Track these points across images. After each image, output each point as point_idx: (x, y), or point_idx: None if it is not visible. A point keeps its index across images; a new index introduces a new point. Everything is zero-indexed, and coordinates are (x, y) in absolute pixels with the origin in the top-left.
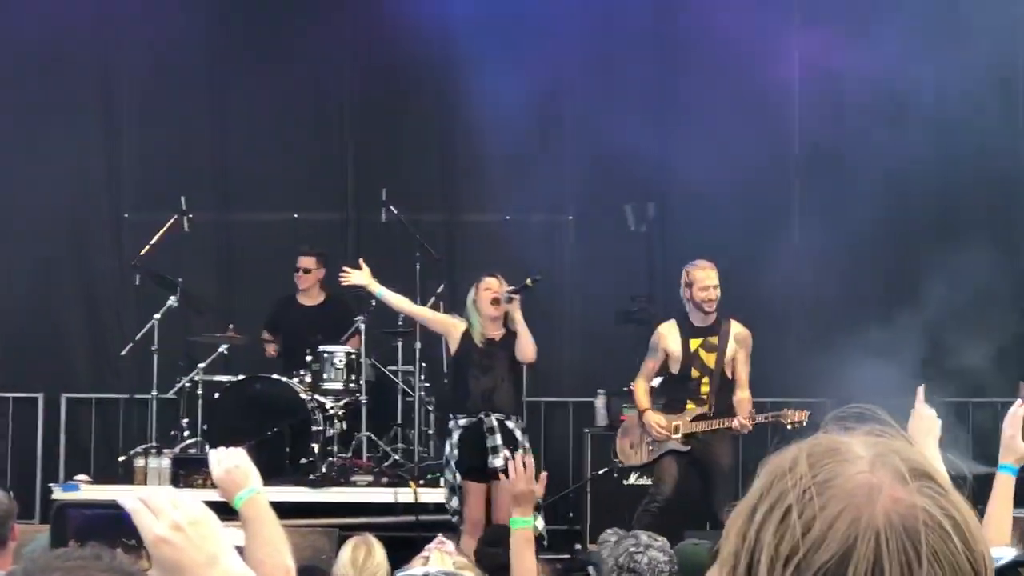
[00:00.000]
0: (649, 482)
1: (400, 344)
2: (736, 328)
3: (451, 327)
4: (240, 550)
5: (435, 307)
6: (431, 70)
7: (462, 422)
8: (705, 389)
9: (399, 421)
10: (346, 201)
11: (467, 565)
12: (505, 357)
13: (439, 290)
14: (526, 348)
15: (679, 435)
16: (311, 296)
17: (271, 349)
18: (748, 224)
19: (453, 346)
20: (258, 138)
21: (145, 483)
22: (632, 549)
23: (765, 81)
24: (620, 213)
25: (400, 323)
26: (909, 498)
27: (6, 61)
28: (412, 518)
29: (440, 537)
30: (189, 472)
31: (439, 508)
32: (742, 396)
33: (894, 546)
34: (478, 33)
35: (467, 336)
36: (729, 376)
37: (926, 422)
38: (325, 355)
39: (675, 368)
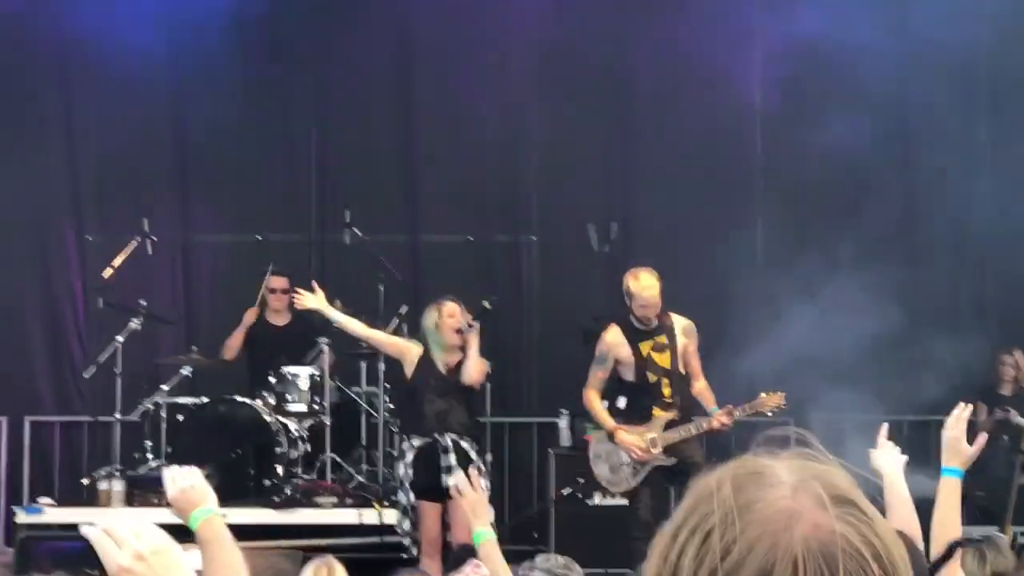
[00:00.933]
0: (615, 502)
1: (364, 365)
2: (680, 322)
3: (406, 351)
4: (198, 573)
5: (398, 329)
6: (394, 92)
7: (416, 443)
8: (667, 391)
9: (363, 442)
10: (310, 222)
11: None
12: (461, 381)
13: (402, 311)
14: (471, 371)
15: (658, 449)
16: (280, 316)
17: (229, 352)
18: (711, 243)
19: (409, 369)
20: (222, 159)
21: (109, 505)
22: (520, 571)
23: (726, 98)
24: (583, 233)
25: (364, 345)
26: (829, 524)
27: None
28: (377, 539)
29: (475, 561)
30: (144, 492)
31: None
32: (700, 386)
33: (812, 572)
34: (441, 55)
35: (425, 360)
36: (683, 372)
37: (891, 458)
38: (289, 376)
39: (630, 375)
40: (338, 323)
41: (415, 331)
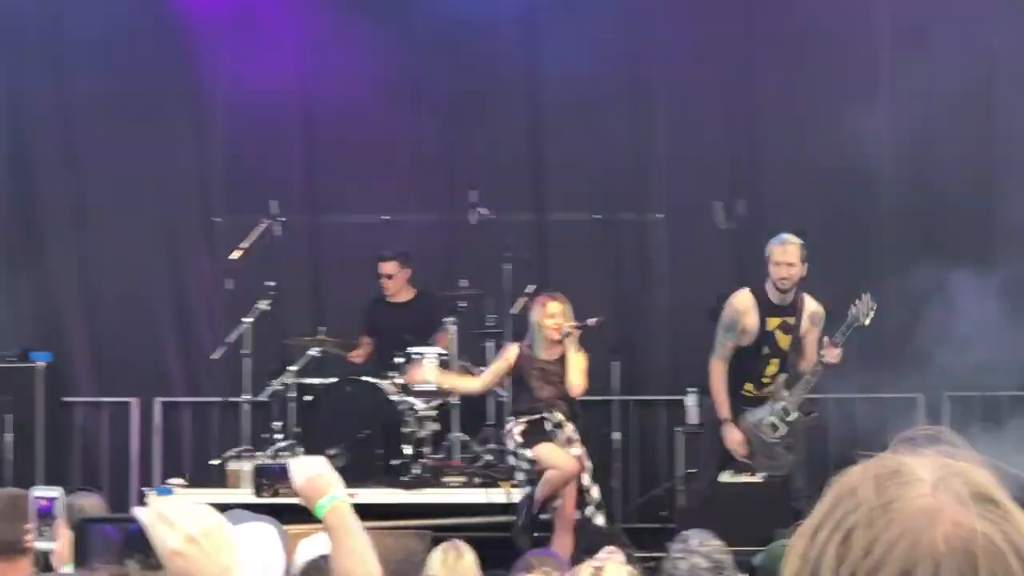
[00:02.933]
0: (740, 480)
1: (492, 344)
2: (811, 306)
3: (507, 364)
4: (324, 558)
5: (525, 307)
6: (520, 68)
7: (524, 419)
8: (771, 371)
9: (491, 422)
10: (436, 203)
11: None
12: (562, 375)
13: (529, 290)
14: (572, 383)
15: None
16: (401, 294)
17: (356, 355)
18: (838, 220)
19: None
20: (348, 140)
21: (239, 487)
22: (676, 555)
23: (843, 68)
24: (710, 211)
25: (490, 323)
26: (969, 523)
27: (94, 66)
28: (504, 518)
29: (611, 547)
30: (271, 481)
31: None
32: (805, 365)
33: (953, 571)
34: (566, 29)
35: (525, 352)
36: (794, 360)
37: None
38: (415, 356)
39: (745, 341)
40: (453, 388)
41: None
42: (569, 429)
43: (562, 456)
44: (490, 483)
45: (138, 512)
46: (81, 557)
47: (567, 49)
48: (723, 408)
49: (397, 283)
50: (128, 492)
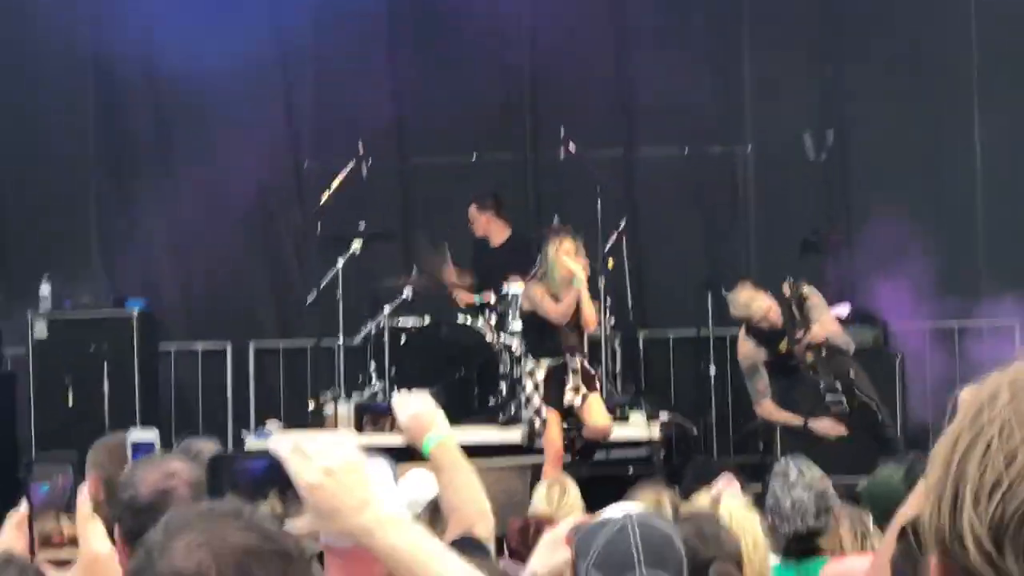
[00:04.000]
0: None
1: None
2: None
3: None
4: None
5: (618, 242)
6: (605, 4)
7: (547, 362)
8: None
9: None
10: (524, 140)
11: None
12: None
13: (620, 226)
14: (588, 318)
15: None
16: (494, 236)
17: (462, 295)
18: (928, 149)
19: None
20: (433, 80)
21: (336, 428)
22: (778, 492)
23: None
24: (799, 142)
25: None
26: None
27: (185, 22)
28: (602, 454)
29: (728, 474)
30: (374, 417)
31: (629, 444)
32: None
33: None
34: None
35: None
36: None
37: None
38: (510, 297)
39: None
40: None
41: (633, 244)
42: (578, 378)
43: (558, 437)
44: None
45: (274, 446)
46: (216, 493)
47: None
48: (793, 418)
49: (479, 226)
50: (225, 436)
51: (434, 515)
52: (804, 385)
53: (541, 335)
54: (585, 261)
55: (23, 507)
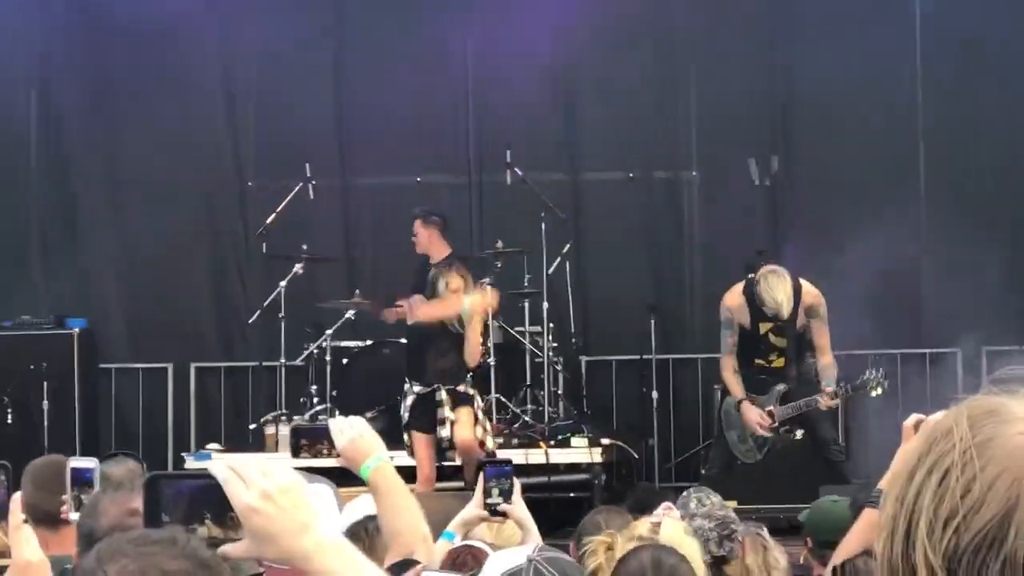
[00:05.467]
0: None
1: (527, 304)
2: (806, 299)
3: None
4: (370, 518)
5: (560, 266)
6: (550, 31)
7: (416, 389)
8: (779, 364)
9: (528, 382)
10: (469, 163)
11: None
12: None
13: (565, 250)
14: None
15: (775, 423)
16: (436, 255)
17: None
18: (872, 173)
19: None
20: (379, 102)
21: (276, 451)
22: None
23: (886, 29)
24: (744, 168)
25: (526, 284)
26: None
27: (127, 35)
28: (544, 479)
29: (667, 504)
30: (311, 442)
31: (570, 468)
32: (825, 363)
33: None
34: None
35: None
36: (805, 335)
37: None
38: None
39: (745, 334)
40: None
41: (577, 268)
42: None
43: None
44: (529, 443)
45: (212, 468)
46: (151, 516)
47: (594, 5)
48: (737, 390)
49: (421, 242)
50: (165, 458)
51: (374, 539)
52: (751, 370)
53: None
54: (483, 294)
55: None
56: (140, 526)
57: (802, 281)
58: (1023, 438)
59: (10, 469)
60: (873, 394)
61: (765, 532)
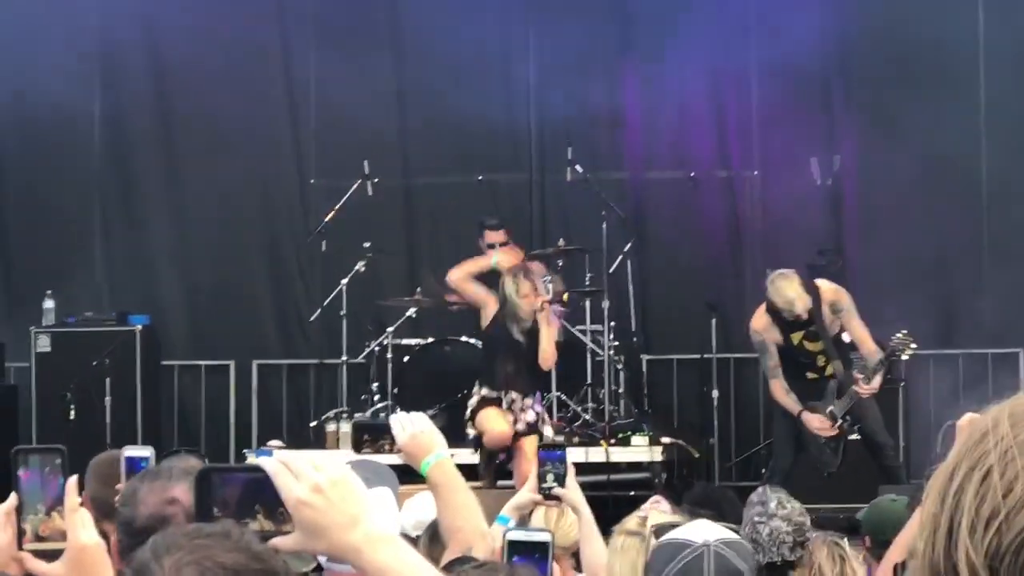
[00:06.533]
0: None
1: (588, 303)
2: (827, 296)
3: (487, 302)
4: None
5: (622, 265)
6: (614, 29)
7: (484, 392)
8: (830, 371)
9: (589, 381)
10: (530, 161)
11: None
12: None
13: (626, 249)
14: (545, 357)
15: (838, 421)
16: (509, 260)
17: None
18: (934, 173)
19: (484, 322)
20: (441, 100)
21: (337, 448)
22: (756, 519)
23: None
24: (805, 167)
25: (587, 283)
26: None
27: (191, 37)
28: (604, 477)
29: (656, 497)
30: (373, 437)
31: (631, 467)
32: (866, 351)
33: None
34: None
35: (499, 319)
36: (842, 335)
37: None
38: None
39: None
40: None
41: (638, 268)
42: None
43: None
44: (589, 442)
45: (263, 462)
46: (203, 509)
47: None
48: (792, 405)
49: (508, 248)
50: (227, 455)
51: (433, 536)
52: (805, 383)
53: (483, 361)
54: (545, 297)
55: (11, 500)
56: (179, 515)
57: (819, 281)
58: None
59: (66, 453)
60: (905, 357)
61: (844, 542)
